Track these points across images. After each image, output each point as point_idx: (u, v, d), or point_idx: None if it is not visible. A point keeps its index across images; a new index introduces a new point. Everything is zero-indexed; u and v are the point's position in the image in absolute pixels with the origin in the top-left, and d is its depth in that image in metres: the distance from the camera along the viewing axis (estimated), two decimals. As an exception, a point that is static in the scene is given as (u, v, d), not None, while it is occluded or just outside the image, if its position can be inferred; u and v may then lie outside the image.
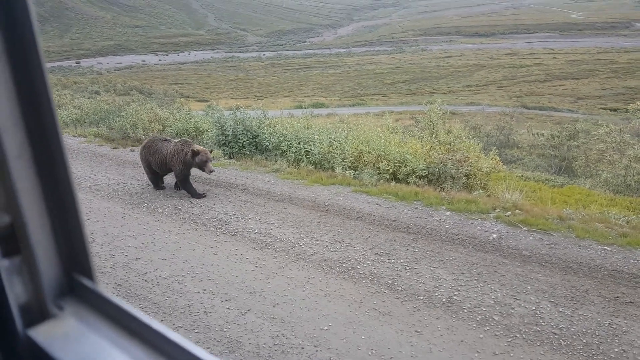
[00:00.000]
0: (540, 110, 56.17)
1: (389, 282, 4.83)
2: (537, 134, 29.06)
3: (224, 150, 10.68)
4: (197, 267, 5.22)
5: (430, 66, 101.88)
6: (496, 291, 4.59)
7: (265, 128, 10.51)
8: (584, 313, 4.18)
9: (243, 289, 4.72)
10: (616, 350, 3.64)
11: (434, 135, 10.20)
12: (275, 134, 10.22)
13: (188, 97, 68.04)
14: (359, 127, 10.33)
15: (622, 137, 18.74)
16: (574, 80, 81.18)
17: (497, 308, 4.30)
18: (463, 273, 4.98)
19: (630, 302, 4.35)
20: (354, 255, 5.44)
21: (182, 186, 7.74)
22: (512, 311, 4.25)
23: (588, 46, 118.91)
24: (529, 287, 4.65)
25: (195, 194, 7.62)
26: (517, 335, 3.89)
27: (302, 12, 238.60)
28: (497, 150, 11.22)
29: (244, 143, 10.36)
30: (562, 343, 3.76)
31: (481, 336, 3.90)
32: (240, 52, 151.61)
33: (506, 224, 6.35)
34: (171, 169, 7.72)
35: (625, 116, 27.98)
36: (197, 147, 7.49)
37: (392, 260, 5.30)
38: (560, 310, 4.24)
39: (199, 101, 62.70)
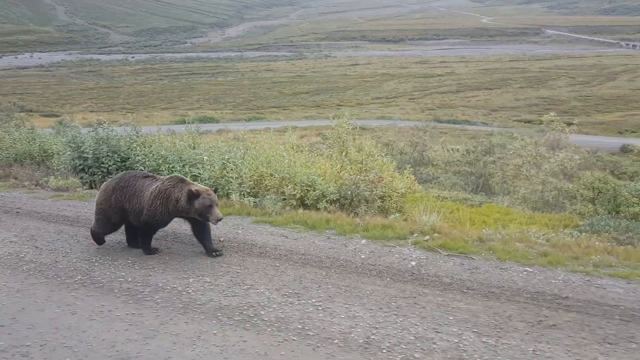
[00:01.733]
0: (454, 123, 61.23)
1: (299, 327, 4.93)
2: (452, 149, 31.66)
3: (82, 178, 10.13)
4: (49, 332, 4.84)
5: (335, 75, 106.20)
6: (417, 325, 4.92)
7: (138, 148, 10.19)
8: (508, 341, 4.64)
9: (113, 356, 4.47)
10: (541, 377, 4.10)
11: (344, 154, 10.66)
12: (151, 155, 9.94)
13: (31, 111, 63.42)
14: (257, 146, 10.45)
15: (538, 150, 21.18)
16: (487, 91, 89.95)
17: (419, 344, 4.60)
18: (381, 308, 5.25)
19: (553, 325, 4.93)
20: (257, 299, 5.47)
21: (143, 237, 6.71)
22: (434, 346, 4.58)
23: (500, 53, 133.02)
24: (451, 318, 5.05)
25: (151, 250, 6.72)
26: (442, 373, 4.19)
27: (181, 7, 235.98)
28: (411, 169, 12.00)
29: (110, 168, 9.93)
30: (488, 376, 4.14)
31: (404, 378, 4.15)
32: (101, 53, 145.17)
33: (425, 250, 6.83)
34: None
35: (540, 128, 31.66)
36: (196, 186, 6.54)
37: (303, 301, 5.42)
38: (484, 340, 4.66)
39: (46, 116, 58.60)
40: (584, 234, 9.26)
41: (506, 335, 4.76)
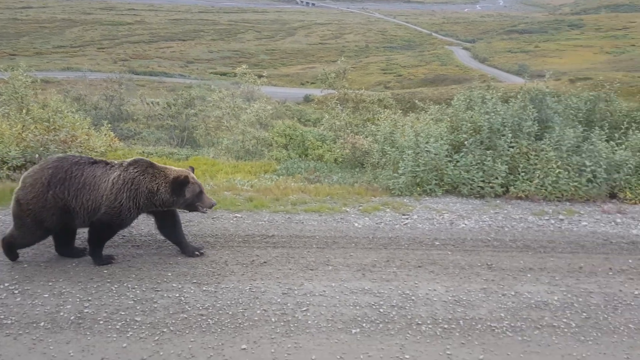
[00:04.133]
0: (151, 76, 59.69)
1: (-9, 317, 4.22)
2: (152, 103, 30.81)
3: None
4: None
5: (3, 19, 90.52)
6: (134, 288, 4.76)
7: None
8: (227, 285, 4.91)
9: None
10: (259, 312, 4.48)
11: (24, 111, 9.32)
12: None
13: None
14: None
15: (235, 102, 22.35)
16: (181, 42, 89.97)
17: (139, 307, 4.48)
18: (92, 278, 4.89)
19: (264, 262, 5.40)
20: None
21: (95, 243, 5.23)
22: (156, 305, 4.52)
23: (189, 4, 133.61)
24: (170, 274, 5.05)
25: (103, 259, 5.26)
26: (165, 330, 4.19)
27: None
28: (110, 125, 11.31)
29: None
30: (211, 322, 4.31)
31: (125, 345, 4.00)
32: None
33: (135, 210, 6.57)
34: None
35: (235, 80, 33.37)
36: (179, 170, 5.29)
37: (-9, 288, 4.63)
38: (204, 289, 4.82)
39: None
40: (281, 177, 10.28)
41: (224, 279, 5.01)
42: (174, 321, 4.32)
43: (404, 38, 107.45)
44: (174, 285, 4.86)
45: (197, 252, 5.47)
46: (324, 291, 4.85)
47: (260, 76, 26.89)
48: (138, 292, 4.72)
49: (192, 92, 30.08)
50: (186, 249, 5.47)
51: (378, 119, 13.30)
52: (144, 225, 6.12)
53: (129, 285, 4.81)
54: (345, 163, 13.61)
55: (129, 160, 5.30)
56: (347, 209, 7.06)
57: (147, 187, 5.10)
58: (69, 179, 4.96)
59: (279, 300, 4.68)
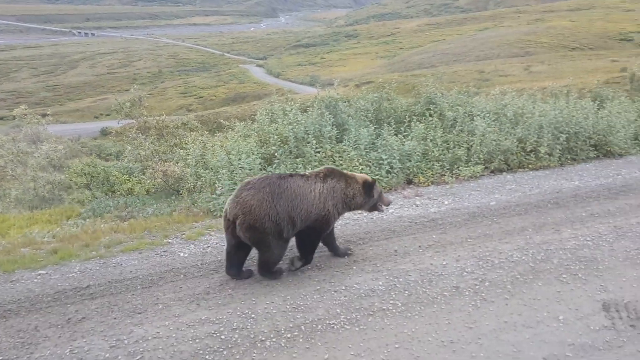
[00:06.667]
0: None
1: None
2: None
3: None
4: None
5: None
6: None
7: None
8: (41, 353, 4.26)
9: None
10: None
11: None
12: None
13: None
14: None
15: (19, 146, 19.83)
16: (-60, 88, 77.41)
17: None
18: None
19: (83, 317, 4.82)
20: None
21: (309, 249, 5.58)
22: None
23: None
24: (-35, 359, 4.23)
25: (344, 251, 5.93)
26: None
27: None
28: None
29: None
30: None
31: None
32: None
33: None
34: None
35: (15, 123, 29.66)
36: (361, 175, 5.81)
37: None
38: (14, 365, 4.12)
39: None
40: (88, 220, 9.36)
41: (37, 348, 4.35)
42: (-20, 414, 3.61)
43: (197, 60, 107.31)
44: (-27, 371, 4.08)
45: (349, 252, 5.93)
46: (158, 332, 4.50)
47: (44, 115, 24.29)
48: None
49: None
50: (340, 253, 5.90)
51: (186, 143, 12.94)
52: None
53: None
54: (159, 193, 12.95)
55: (321, 170, 5.64)
56: (170, 240, 6.70)
57: (345, 193, 5.57)
58: (283, 192, 5.23)
59: (107, 355, 4.20)
